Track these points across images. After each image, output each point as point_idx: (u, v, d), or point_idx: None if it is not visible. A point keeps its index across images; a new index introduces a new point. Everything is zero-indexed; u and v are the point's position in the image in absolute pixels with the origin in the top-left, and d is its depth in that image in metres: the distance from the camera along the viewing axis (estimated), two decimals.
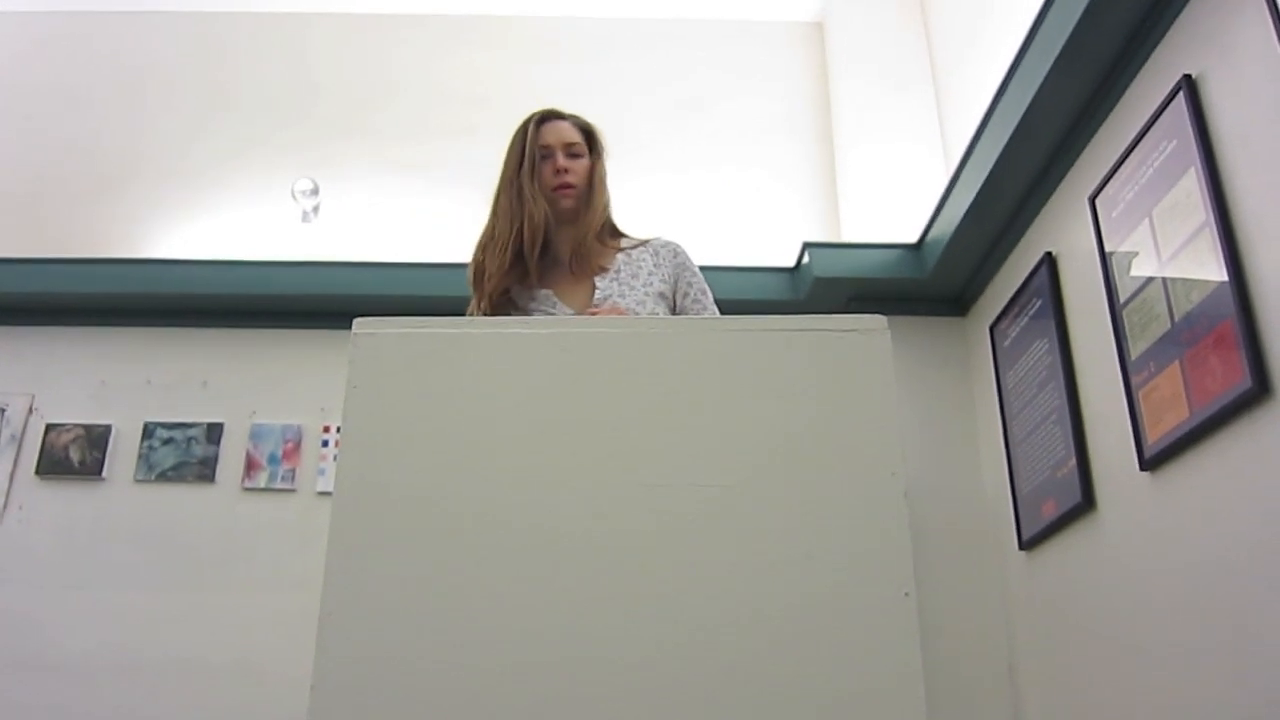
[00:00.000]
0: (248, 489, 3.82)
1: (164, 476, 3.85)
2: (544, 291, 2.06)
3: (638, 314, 1.96)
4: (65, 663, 3.57)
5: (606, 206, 2.14)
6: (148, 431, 3.91)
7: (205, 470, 3.85)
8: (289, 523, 3.76)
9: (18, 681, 3.55)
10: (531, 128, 2.12)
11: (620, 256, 2.10)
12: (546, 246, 2.07)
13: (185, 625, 3.62)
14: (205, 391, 3.97)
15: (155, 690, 3.53)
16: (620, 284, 2.04)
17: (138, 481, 3.85)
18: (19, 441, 3.90)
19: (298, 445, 3.88)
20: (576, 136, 2.13)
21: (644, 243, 2.14)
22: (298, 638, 3.35)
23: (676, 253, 2.12)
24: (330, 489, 3.68)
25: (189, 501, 3.81)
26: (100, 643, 3.60)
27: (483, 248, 2.08)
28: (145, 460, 3.87)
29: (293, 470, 3.84)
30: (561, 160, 2.08)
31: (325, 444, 3.87)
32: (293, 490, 3.82)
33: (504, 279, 2.04)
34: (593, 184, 2.12)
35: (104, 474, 3.85)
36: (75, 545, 3.76)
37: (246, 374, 4.00)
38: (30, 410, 3.95)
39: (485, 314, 2.04)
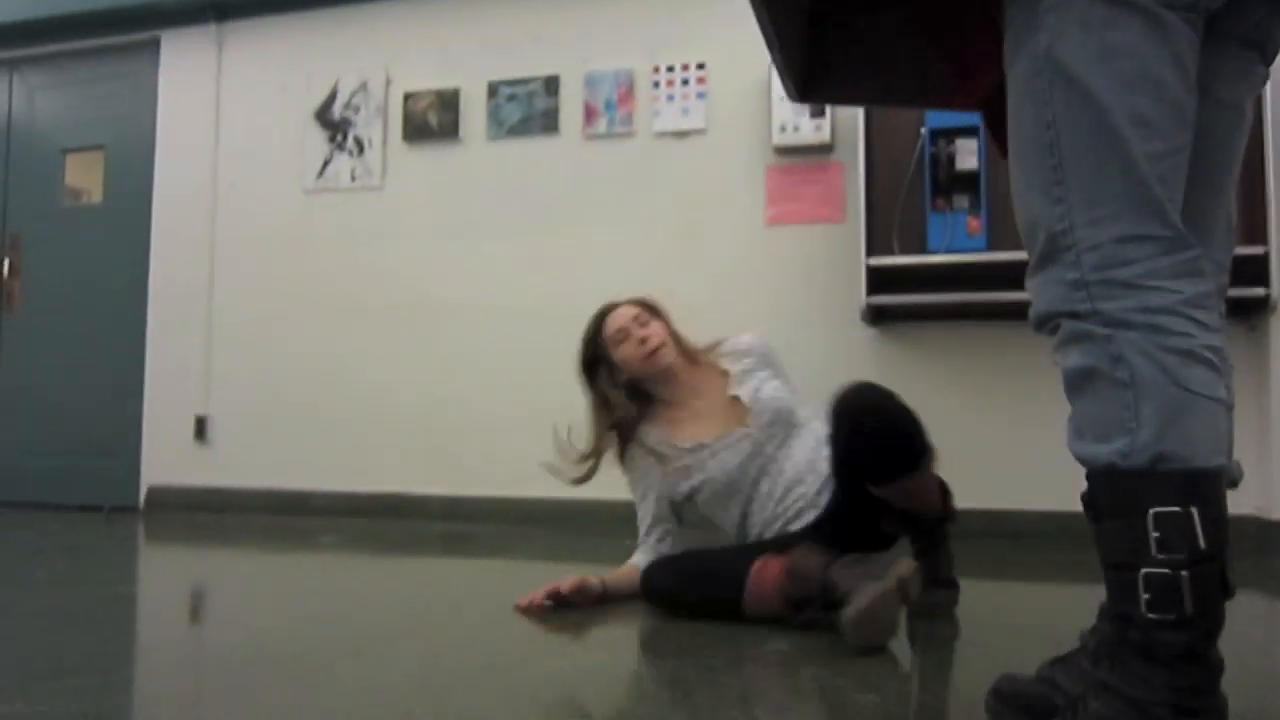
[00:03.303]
0: (589, 137, 3.93)
1: (513, 131, 4.03)
2: (670, 443, 2.23)
3: (775, 399, 2.21)
4: (439, 306, 4.05)
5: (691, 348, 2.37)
6: (492, 90, 4.06)
7: (549, 122, 3.98)
8: (629, 166, 3.87)
9: (403, 320, 4.08)
10: (598, 330, 2.33)
11: (721, 362, 2.32)
12: (649, 400, 2.30)
13: (540, 268, 3.92)
14: (538, 45, 4.02)
15: (516, 326, 3.90)
16: (743, 384, 2.25)
17: (490, 139, 4.06)
18: (384, 111, 4.20)
19: (630, 89, 3.88)
20: (637, 310, 2.32)
21: (716, 344, 2.37)
22: (639, 269, 3.55)
23: (751, 348, 2.33)
24: (666, 129, 3.73)
25: (537, 153, 4.00)
26: (466, 288, 4.02)
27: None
28: (494, 118, 4.05)
29: (629, 114, 3.88)
30: (638, 332, 2.27)
31: (656, 85, 3.84)
32: (631, 134, 3.88)
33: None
34: (675, 336, 2.34)
35: (460, 135, 4.09)
36: (440, 203, 4.11)
37: (573, 23, 4.00)
38: (388, 81, 4.21)
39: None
